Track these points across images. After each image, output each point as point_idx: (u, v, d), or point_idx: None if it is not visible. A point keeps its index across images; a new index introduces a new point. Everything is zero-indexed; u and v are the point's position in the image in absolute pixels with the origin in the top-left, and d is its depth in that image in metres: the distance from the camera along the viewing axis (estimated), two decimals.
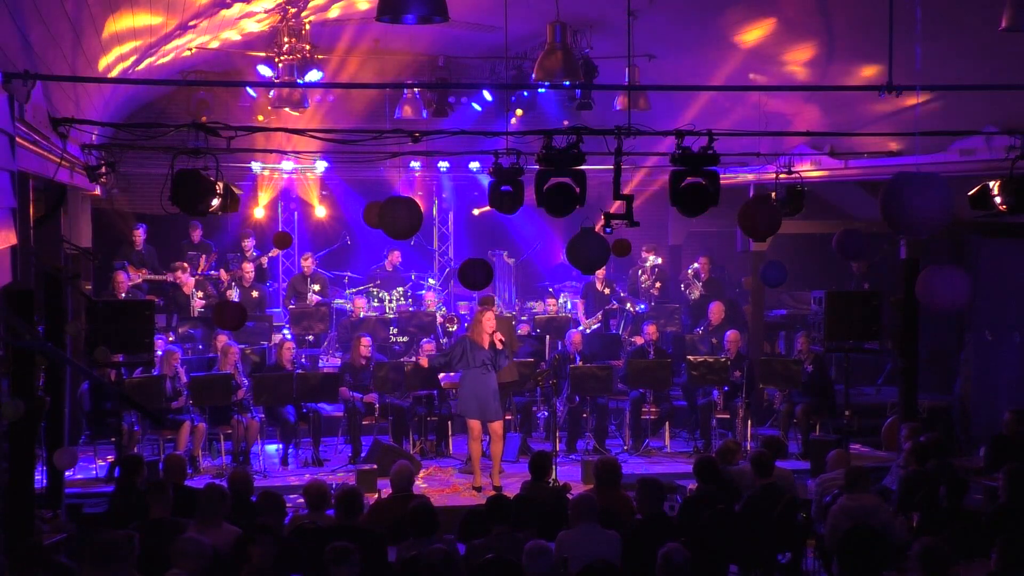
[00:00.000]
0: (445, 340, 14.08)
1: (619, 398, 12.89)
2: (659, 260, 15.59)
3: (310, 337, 14.26)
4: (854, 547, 5.96)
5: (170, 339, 12.99)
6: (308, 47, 11.88)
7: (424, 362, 11.70)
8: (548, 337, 13.99)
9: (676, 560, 5.84)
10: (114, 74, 9.69)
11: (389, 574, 6.53)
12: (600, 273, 14.37)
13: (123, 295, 12.91)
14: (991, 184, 8.77)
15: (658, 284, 15.22)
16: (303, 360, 13.24)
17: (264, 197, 16.29)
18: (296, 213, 16.79)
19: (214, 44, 12.20)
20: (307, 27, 11.89)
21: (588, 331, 14.25)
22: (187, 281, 13.84)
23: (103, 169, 10.06)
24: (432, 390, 12.31)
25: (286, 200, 16.67)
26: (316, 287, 14.70)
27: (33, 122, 6.80)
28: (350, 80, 14.41)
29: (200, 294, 13.80)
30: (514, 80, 12.91)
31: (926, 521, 7.42)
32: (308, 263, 14.85)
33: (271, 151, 12.57)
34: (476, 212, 17.04)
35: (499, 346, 10.78)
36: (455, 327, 14.15)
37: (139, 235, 14.05)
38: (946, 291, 7.70)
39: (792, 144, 12.51)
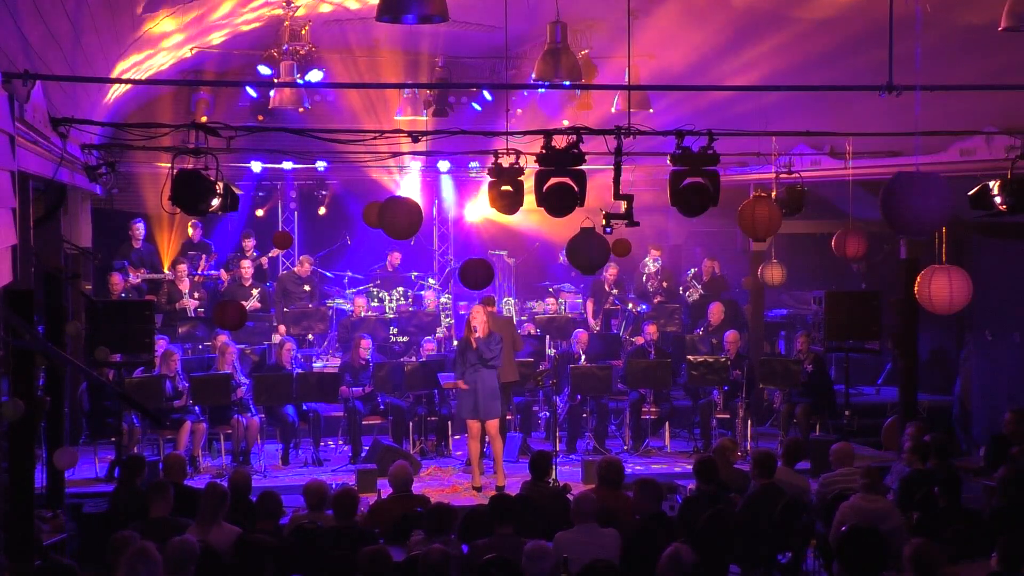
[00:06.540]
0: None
1: (619, 398, 12.89)
2: (658, 261, 15.48)
3: (310, 337, 14.24)
4: (855, 546, 5.95)
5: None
6: (309, 47, 11.87)
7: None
8: (548, 337, 13.98)
9: (684, 560, 5.83)
10: (114, 74, 9.68)
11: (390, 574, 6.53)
12: (611, 276, 14.40)
13: (117, 297, 12.85)
14: (991, 184, 8.77)
15: (665, 284, 15.21)
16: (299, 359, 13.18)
17: None
18: (296, 213, 16.78)
19: (217, 40, 12.18)
20: (307, 27, 11.88)
21: (595, 331, 14.23)
22: (185, 281, 13.80)
23: (103, 169, 10.06)
24: (432, 390, 12.31)
25: (286, 200, 16.66)
26: (307, 288, 14.48)
27: (33, 122, 6.80)
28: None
29: (197, 295, 13.77)
30: (514, 80, 12.90)
31: (926, 521, 7.41)
32: (306, 267, 14.65)
33: (273, 151, 12.55)
34: (473, 213, 17.03)
35: (480, 332, 10.63)
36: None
37: (137, 231, 13.98)
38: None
39: (792, 144, 12.50)
